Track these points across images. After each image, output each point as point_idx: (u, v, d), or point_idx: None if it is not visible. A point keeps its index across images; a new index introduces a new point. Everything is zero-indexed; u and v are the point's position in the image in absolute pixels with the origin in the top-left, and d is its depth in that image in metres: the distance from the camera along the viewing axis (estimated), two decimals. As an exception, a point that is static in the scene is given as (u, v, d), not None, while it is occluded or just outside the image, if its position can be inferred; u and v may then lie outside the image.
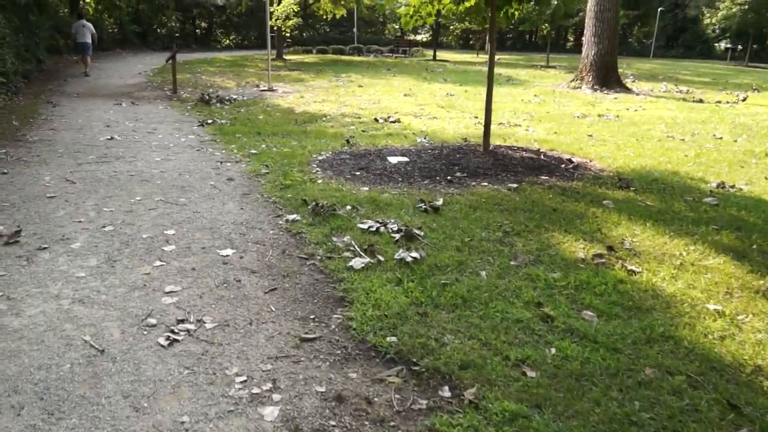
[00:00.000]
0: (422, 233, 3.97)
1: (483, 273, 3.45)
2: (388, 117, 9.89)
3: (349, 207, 4.44)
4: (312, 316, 2.99)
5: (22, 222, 4.00)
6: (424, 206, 4.51)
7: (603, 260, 3.66)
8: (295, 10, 18.81)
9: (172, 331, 2.77)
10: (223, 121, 9.24)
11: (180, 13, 30.62)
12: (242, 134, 8.08)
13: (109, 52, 24.87)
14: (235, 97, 12.50)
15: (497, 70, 21.33)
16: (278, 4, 19.88)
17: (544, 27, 45.37)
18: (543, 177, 5.68)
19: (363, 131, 8.65)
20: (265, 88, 13.87)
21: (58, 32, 20.36)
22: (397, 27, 46.93)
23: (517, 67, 23.72)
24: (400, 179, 5.34)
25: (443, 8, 7.08)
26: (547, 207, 4.69)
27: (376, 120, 9.68)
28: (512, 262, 3.61)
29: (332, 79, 16.24)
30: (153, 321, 2.86)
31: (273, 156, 6.30)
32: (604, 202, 4.88)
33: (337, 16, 27.06)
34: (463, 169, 5.70)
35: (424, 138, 7.56)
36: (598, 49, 14.88)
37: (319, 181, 5.22)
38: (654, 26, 40.79)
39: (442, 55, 29.07)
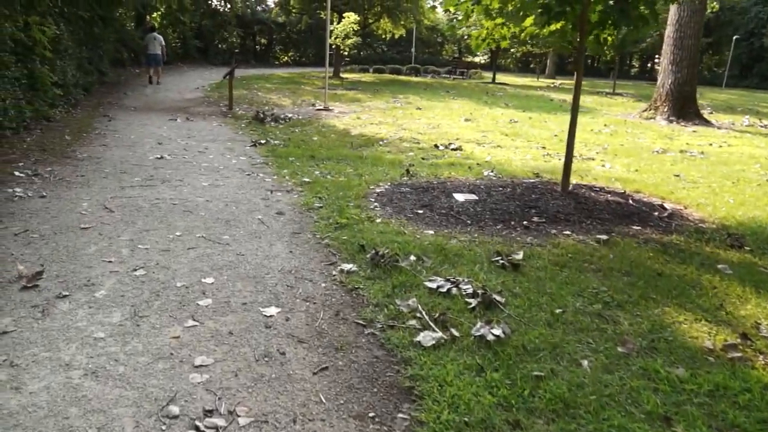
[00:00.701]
0: (503, 300, 3.29)
1: (585, 363, 2.74)
2: (449, 144, 9.26)
3: (413, 257, 3.80)
4: (371, 414, 2.36)
5: (48, 259, 3.55)
6: (501, 260, 3.83)
7: (738, 354, 2.88)
8: (355, 29, 18.56)
9: (197, 429, 2.19)
10: (276, 142, 8.83)
11: (241, 30, 31.10)
12: (295, 157, 7.62)
13: (171, 66, 25.32)
14: (290, 115, 12.17)
15: (560, 96, 20.45)
16: (338, 23, 19.69)
17: (608, 52, 44.01)
18: (635, 227, 4.90)
19: (423, 159, 8.05)
20: (321, 108, 13.51)
21: (123, 45, 20.76)
22: (455, 48, 46.52)
23: (582, 93, 22.70)
24: (469, 222, 4.67)
25: (522, 32, 6.41)
26: (650, 270, 3.92)
27: (436, 146, 9.08)
28: (620, 349, 2.89)
29: (389, 100, 15.78)
30: (175, 410, 2.29)
31: (327, 186, 5.75)
32: (719, 266, 4.07)
33: (396, 36, 26.82)
34: (540, 212, 4.99)
35: (491, 171, 6.87)
36: (675, 78, 13.86)
37: (378, 221, 4.61)
38: (727, 54, 38.82)
39: (501, 78, 28.32)
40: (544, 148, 9.39)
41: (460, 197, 5.28)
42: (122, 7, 19.58)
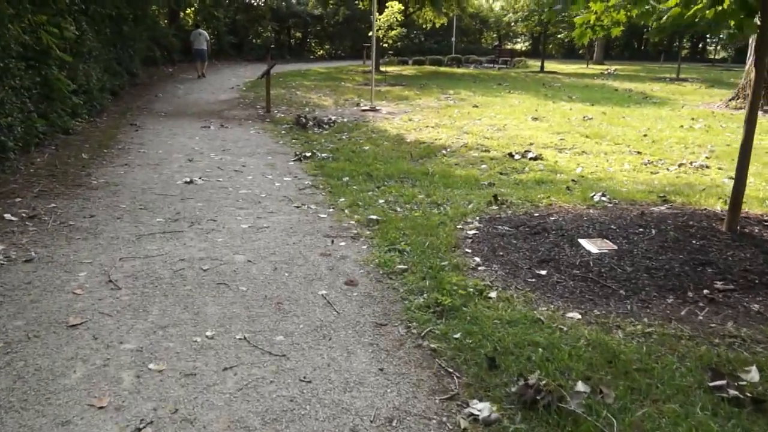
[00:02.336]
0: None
1: None
2: (526, 152, 7.82)
3: (581, 386, 2.35)
4: None
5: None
6: (720, 385, 2.36)
7: None
8: (399, 19, 17.13)
9: None
10: (324, 155, 7.56)
11: (276, 24, 29.99)
12: (350, 176, 6.33)
13: (205, 64, 24.35)
14: (333, 118, 10.90)
15: (623, 84, 18.64)
16: (379, 13, 18.30)
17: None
18: None
19: (501, 174, 6.66)
20: (367, 108, 12.19)
21: (156, 43, 19.85)
22: (495, 35, 44.54)
23: (641, 80, 20.78)
24: (622, 292, 3.25)
25: (650, 15, 4.93)
26: None
27: (510, 156, 7.66)
28: None
29: (440, 96, 14.34)
30: None
31: (402, 227, 4.41)
32: None
33: (437, 25, 25.32)
34: (720, 271, 3.51)
35: (602, 194, 5.41)
36: (773, 63, 11.97)
37: (493, 295, 3.21)
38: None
39: (548, 65, 26.45)
40: (639, 153, 7.86)
41: (590, 246, 3.87)
42: (154, 4, 18.63)
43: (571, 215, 4.76)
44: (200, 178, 6.17)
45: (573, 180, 6.26)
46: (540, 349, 2.58)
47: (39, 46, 6.67)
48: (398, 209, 5.02)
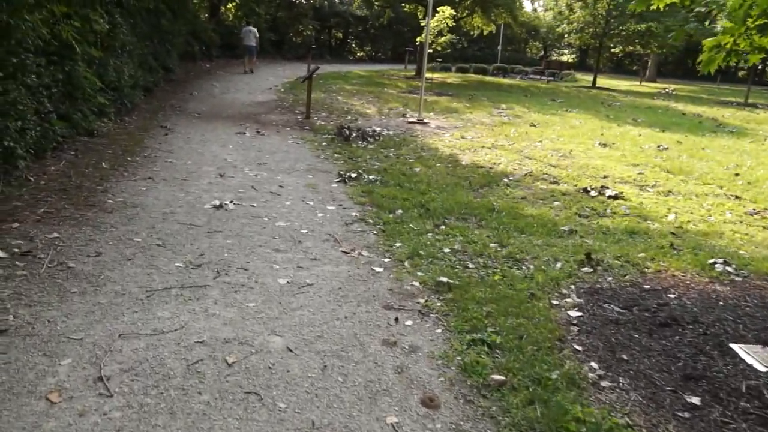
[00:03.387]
0: None
1: None
2: (602, 187, 6.79)
3: None
4: None
5: None
6: None
7: None
8: (450, 24, 16.14)
9: None
10: (371, 177, 6.64)
11: (317, 23, 29.28)
12: (402, 207, 5.42)
13: (242, 61, 23.75)
14: (378, 129, 10.00)
15: (686, 107, 17.32)
16: (431, 19, 17.33)
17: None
18: None
19: (579, 216, 5.66)
20: (414, 120, 11.25)
21: (194, 38, 19.25)
22: (540, 45, 43.20)
23: (706, 104, 19.37)
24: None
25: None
26: None
27: (585, 192, 6.63)
28: None
29: (492, 111, 13.31)
30: None
31: (482, 299, 3.43)
32: None
33: (485, 33, 24.28)
34: None
35: (724, 263, 4.34)
36: None
37: None
38: None
39: (600, 81, 25.10)
40: (738, 198, 6.74)
41: (754, 359, 2.82)
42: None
43: (696, 293, 3.72)
44: (231, 201, 5.30)
45: (672, 233, 5.20)
46: None
47: (60, 41, 5.89)
48: (470, 265, 4.05)
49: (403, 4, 22.36)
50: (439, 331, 3.02)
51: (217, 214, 4.91)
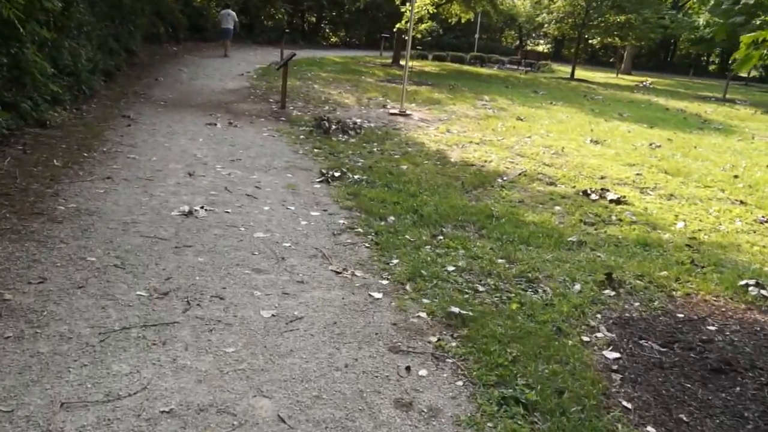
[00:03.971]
0: None
1: None
2: (602, 190, 6.39)
3: None
4: None
5: None
6: None
7: None
8: (431, 11, 15.53)
9: None
10: (356, 176, 6.09)
11: (290, 6, 28.27)
12: (393, 213, 4.90)
13: (213, 44, 22.72)
14: (359, 121, 9.42)
15: (669, 102, 17.15)
16: (410, 4, 16.69)
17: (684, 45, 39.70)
18: None
19: (584, 223, 5.25)
20: (396, 112, 10.68)
21: (160, 19, 18.19)
22: (516, 34, 42.94)
23: (685, 98, 19.28)
24: None
25: None
26: None
27: (586, 194, 6.21)
28: None
29: (475, 103, 12.83)
30: None
31: (502, 336, 2.93)
32: None
33: (463, 20, 23.78)
34: None
35: (756, 285, 3.92)
36: None
37: None
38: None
39: (577, 72, 24.86)
40: (743, 203, 6.40)
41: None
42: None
43: (736, 323, 3.30)
44: (202, 207, 4.68)
45: (688, 245, 4.80)
46: None
47: (2, 20, 5.13)
48: (480, 288, 3.55)
49: (380, -11, 21.60)
50: (461, 383, 2.50)
51: (186, 223, 4.29)
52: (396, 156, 7.40)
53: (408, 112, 10.76)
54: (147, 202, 4.68)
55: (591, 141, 9.25)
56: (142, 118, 8.17)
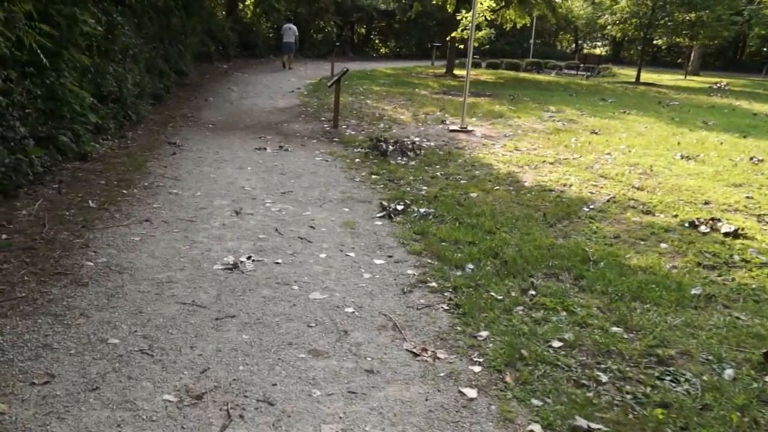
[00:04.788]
0: None
1: None
2: (712, 220, 5.38)
3: None
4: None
5: None
6: None
7: None
8: (488, 18, 14.69)
9: None
10: (421, 210, 5.33)
11: (339, 18, 27.94)
12: (471, 258, 4.14)
13: (263, 60, 22.61)
14: (417, 140, 8.70)
15: (741, 103, 15.63)
16: (466, 12, 15.92)
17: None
18: None
19: (702, 267, 4.34)
20: (457, 128, 9.87)
21: (211, 37, 18.08)
22: (571, 37, 41.37)
23: (766, 100, 17.59)
24: None
25: None
26: None
27: (693, 226, 5.25)
28: None
29: (541, 115, 11.86)
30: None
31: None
32: None
33: (518, 26, 22.74)
34: None
35: None
36: None
37: None
38: None
39: (644, 76, 23.34)
40: None
41: None
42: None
43: None
44: (249, 257, 4.02)
45: None
46: None
47: (42, 48, 4.64)
48: (603, 379, 2.72)
49: (431, -3, 20.88)
50: None
51: (230, 281, 3.63)
52: (463, 181, 6.61)
53: (469, 128, 9.94)
54: (187, 252, 4.06)
55: (681, 156, 8.17)
56: (188, 144, 7.70)
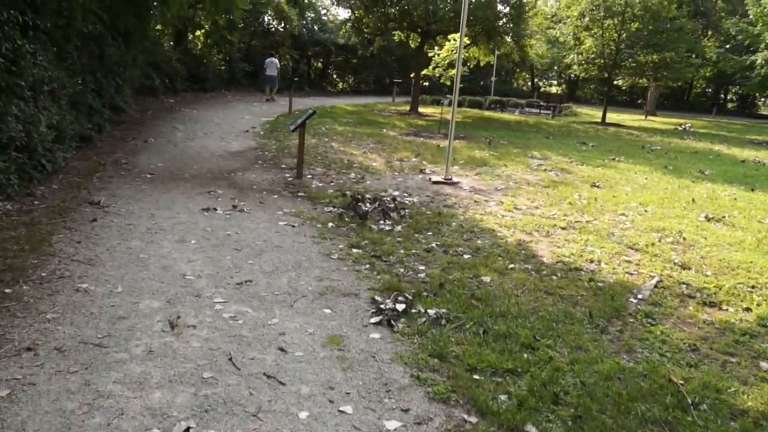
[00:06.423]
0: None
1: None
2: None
3: None
4: None
5: None
6: None
7: None
8: (463, 56, 13.70)
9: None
10: (430, 313, 3.90)
11: (296, 52, 26.70)
12: (524, 404, 2.73)
13: (214, 94, 21.00)
14: (397, 194, 7.36)
15: (719, 148, 15.14)
16: (439, 48, 14.93)
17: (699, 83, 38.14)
18: None
19: None
20: (440, 179, 8.57)
21: (156, 69, 16.41)
22: (528, 76, 41.61)
23: (738, 144, 17.27)
24: None
25: None
26: None
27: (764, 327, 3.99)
28: None
29: (528, 162, 10.75)
30: None
31: None
32: None
33: (482, 63, 22.13)
34: None
35: None
36: None
37: None
38: None
39: (608, 116, 22.99)
40: None
41: None
42: (158, 21, 15.20)
43: None
44: (188, 430, 2.45)
45: None
46: None
47: None
48: None
49: (395, 32, 19.93)
50: None
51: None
52: (466, 257, 5.24)
53: (454, 179, 8.66)
54: (81, 425, 2.46)
55: (706, 218, 7.09)
56: (116, 204, 6.07)
